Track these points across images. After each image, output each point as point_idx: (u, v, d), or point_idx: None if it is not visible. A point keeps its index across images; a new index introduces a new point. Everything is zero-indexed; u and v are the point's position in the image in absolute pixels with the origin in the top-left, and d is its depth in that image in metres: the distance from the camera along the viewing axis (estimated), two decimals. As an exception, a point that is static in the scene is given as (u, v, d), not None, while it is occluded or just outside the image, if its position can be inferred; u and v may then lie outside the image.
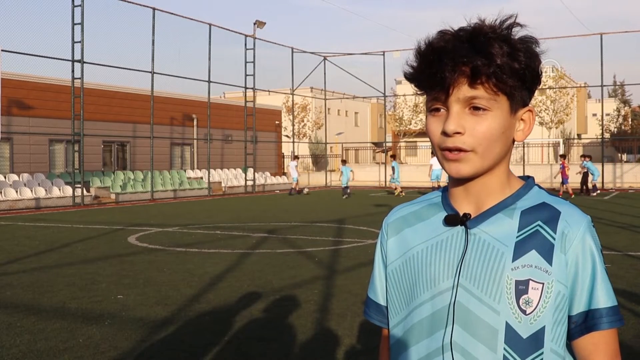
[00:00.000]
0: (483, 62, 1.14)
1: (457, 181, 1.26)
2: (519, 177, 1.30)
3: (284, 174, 38.21)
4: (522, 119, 1.24)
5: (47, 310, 6.36)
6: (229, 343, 5.22)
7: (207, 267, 8.81)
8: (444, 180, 25.38)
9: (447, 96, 1.17)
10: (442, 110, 1.20)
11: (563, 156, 25.48)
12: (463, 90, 1.16)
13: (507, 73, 1.15)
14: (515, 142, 1.27)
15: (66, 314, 6.20)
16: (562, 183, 24.09)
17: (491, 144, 1.18)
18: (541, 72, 1.22)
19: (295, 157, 29.08)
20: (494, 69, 1.14)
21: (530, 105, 1.25)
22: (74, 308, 6.43)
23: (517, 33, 1.19)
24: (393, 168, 26.23)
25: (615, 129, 54.55)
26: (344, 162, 28.05)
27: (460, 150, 1.18)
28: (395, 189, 26.46)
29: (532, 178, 1.31)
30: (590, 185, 25.90)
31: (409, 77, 1.23)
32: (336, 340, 5.28)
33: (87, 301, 6.73)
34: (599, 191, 25.97)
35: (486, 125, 1.17)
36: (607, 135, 46.47)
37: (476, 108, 1.17)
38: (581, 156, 26.74)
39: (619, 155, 48.32)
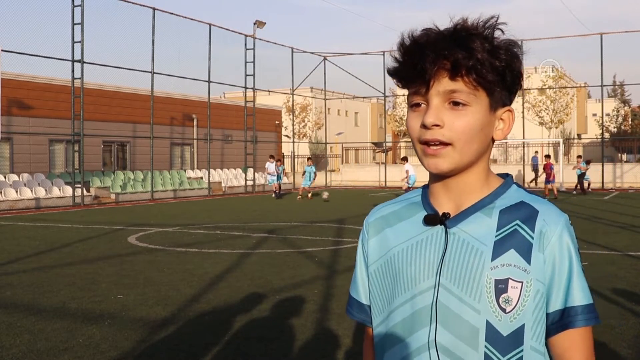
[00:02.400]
0: (464, 55, 1.15)
1: (436, 178, 1.27)
2: (498, 174, 1.31)
3: (284, 174, 38.19)
4: (501, 119, 1.25)
5: (47, 310, 6.36)
6: (229, 343, 5.22)
7: (207, 267, 8.81)
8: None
9: (428, 89, 1.18)
10: (422, 105, 1.21)
11: (548, 156, 25.49)
12: (443, 84, 1.17)
13: (487, 68, 1.16)
14: (498, 140, 1.27)
15: (66, 314, 6.20)
16: (547, 183, 23.94)
17: (470, 139, 1.19)
18: (522, 74, 1.24)
19: (271, 157, 26.56)
20: (473, 62, 1.15)
21: (510, 106, 1.26)
22: (74, 308, 6.43)
23: (500, 35, 1.20)
24: (315, 173, 25.08)
25: (615, 129, 54.54)
26: (309, 159, 26.00)
27: (439, 142, 1.18)
28: (309, 192, 24.90)
29: (511, 176, 1.31)
30: (585, 185, 26.49)
31: (392, 72, 1.24)
32: (336, 340, 5.29)
33: (87, 301, 6.73)
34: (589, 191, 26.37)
35: (465, 120, 1.18)
36: (607, 135, 46.45)
37: (456, 103, 1.18)
38: (586, 161, 27.20)
39: (619, 155, 48.30)
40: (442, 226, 1.25)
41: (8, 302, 6.75)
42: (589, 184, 27.32)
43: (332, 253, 10.20)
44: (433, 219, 1.26)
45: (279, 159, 28.10)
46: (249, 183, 30.71)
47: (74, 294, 7.11)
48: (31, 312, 6.27)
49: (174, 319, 5.96)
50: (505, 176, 1.30)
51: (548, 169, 24.03)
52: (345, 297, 6.81)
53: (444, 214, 1.25)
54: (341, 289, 7.25)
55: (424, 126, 1.19)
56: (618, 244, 10.76)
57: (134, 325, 5.74)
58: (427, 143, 1.20)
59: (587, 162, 27.27)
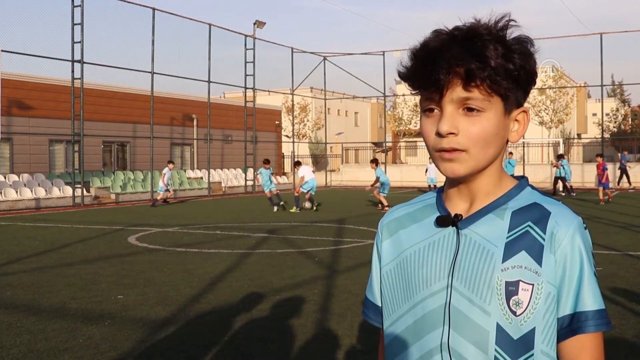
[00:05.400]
0: (477, 66, 1.13)
1: (452, 182, 1.27)
2: (514, 176, 1.30)
3: (284, 174, 38.18)
4: (516, 120, 1.24)
5: (47, 310, 6.36)
6: (229, 343, 5.22)
7: (207, 267, 8.81)
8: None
9: (441, 97, 1.17)
10: (435, 110, 1.19)
11: (600, 155, 21.76)
12: (457, 92, 1.16)
13: (501, 75, 1.14)
14: (513, 143, 1.27)
15: (66, 314, 6.19)
16: (604, 187, 20.51)
17: (485, 145, 1.18)
18: (536, 72, 1.22)
19: (170, 162, 22.54)
20: (488, 72, 1.14)
21: (525, 106, 1.25)
22: (74, 308, 6.43)
23: (512, 33, 1.18)
24: (267, 174, 19.93)
25: (615, 129, 54.53)
26: (298, 163, 20.38)
27: (455, 150, 1.18)
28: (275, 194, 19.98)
29: (526, 178, 1.30)
30: (568, 185, 24.51)
31: (404, 77, 1.22)
32: (336, 340, 5.29)
33: (87, 301, 6.73)
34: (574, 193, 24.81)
35: (480, 126, 1.17)
36: (607, 135, 46.44)
37: (470, 109, 1.17)
38: (558, 156, 25.35)
39: (619, 155, 48.29)
40: (454, 227, 1.25)
41: (8, 302, 6.75)
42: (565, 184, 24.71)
43: (332, 253, 10.20)
44: (445, 220, 1.25)
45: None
46: (249, 183, 30.71)
47: (74, 294, 7.11)
48: (31, 312, 6.27)
49: (174, 319, 5.96)
50: (521, 178, 1.29)
51: (600, 169, 20.55)
52: (345, 297, 6.81)
53: (455, 215, 1.24)
54: (341, 289, 7.25)
55: (439, 134, 1.18)
56: (618, 243, 10.76)
57: (134, 325, 5.74)
58: (443, 150, 1.19)
59: (559, 157, 24.65)
